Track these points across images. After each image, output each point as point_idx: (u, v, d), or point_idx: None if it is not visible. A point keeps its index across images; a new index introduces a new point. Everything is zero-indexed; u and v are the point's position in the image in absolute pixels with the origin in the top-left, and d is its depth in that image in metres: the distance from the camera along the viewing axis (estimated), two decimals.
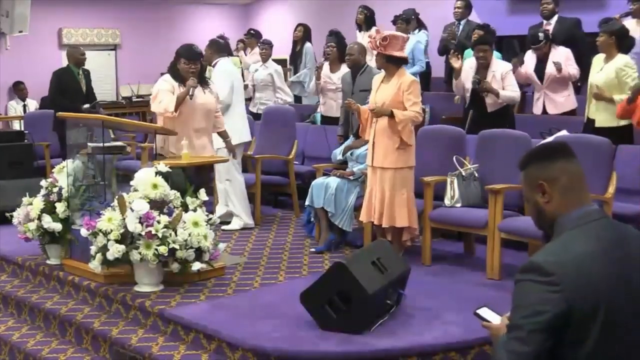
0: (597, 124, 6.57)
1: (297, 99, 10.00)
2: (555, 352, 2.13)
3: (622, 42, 6.55)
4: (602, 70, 6.59)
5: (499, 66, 6.98)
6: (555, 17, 8.25)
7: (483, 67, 6.99)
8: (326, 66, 8.20)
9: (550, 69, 7.44)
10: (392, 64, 5.64)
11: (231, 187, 6.97)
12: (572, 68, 7.47)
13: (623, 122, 6.41)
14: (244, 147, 7.25)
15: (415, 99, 5.60)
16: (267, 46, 9.26)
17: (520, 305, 2.14)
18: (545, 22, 8.28)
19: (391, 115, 5.52)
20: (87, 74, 9.21)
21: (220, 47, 7.22)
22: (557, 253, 2.17)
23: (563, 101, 7.58)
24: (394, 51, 5.59)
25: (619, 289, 2.16)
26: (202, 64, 6.18)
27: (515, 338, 2.12)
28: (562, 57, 7.46)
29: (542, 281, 2.10)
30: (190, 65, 5.89)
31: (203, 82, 6.06)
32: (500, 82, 6.88)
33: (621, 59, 6.51)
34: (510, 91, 6.89)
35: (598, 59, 6.73)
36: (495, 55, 7.90)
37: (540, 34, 7.55)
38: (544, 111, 7.63)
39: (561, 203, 2.28)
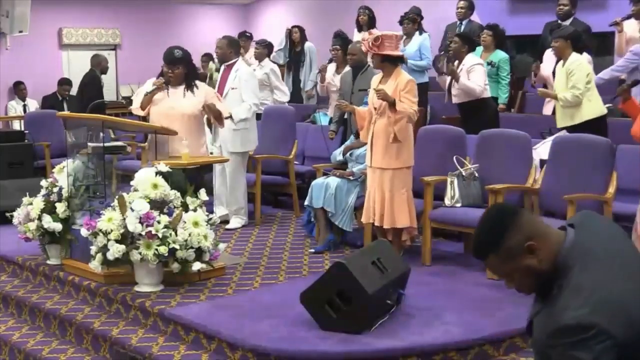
0: (557, 125, 6.74)
1: (296, 98, 9.98)
2: None
3: (577, 44, 6.69)
4: (560, 73, 6.75)
5: (469, 60, 7.21)
6: (571, 20, 8.20)
7: (457, 59, 7.30)
8: (332, 68, 8.31)
9: None
10: (389, 63, 5.65)
11: (238, 188, 7.02)
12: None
13: (578, 121, 6.54)
14: None
15: (413, 98, 5.60)
16: (261, 46, 9.20)
17: None
18: (560, 22, 8.23)
19: (393, 104, 5.51)
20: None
21: (237, 47, 7.23)
22: (584, 302, 2.04)
23: None
24: (389, 51, 5.60)
25: None
26: (193, 69, 6.17)
27: None
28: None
29: (587, 337, 2.00)
30: (167, 69, 6.04)
31: (188, 85, 6.04)
32: (466, 75, 7.11)
33: (572, 58, 6.64)
34: (472, 83, 7.08)
35: (559, 66, 6.86)
36: (500, 54, 7.94)
37: None
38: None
39: (549, 248, 2.16)
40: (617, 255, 2.17)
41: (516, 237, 2.15)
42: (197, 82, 6.18)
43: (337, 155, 6.60)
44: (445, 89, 7.64)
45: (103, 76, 10.29)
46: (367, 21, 9.45)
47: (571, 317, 2.03)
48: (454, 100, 7.29)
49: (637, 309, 2.05)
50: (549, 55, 7.73)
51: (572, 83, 6.55)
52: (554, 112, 7.59)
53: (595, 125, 6.47)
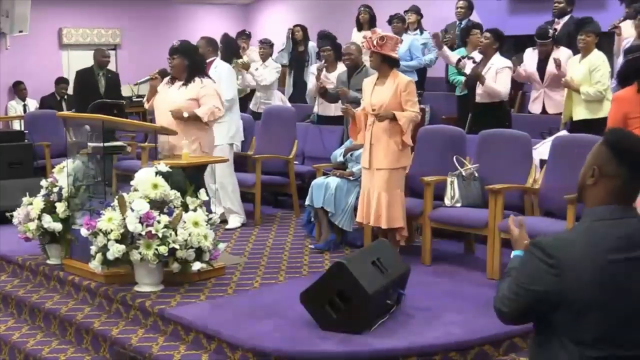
0: (574, 117, 6.85)
1: (298, 98, 9.96)
2: (546, 324, 2.26)
3: (600, 40, 6.96)
4: (580, 67, 6.85)
5: (498, 61, 7.10)
6: (567, 17, 8.19)
7: (484, 54, 7.18)
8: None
9: (551, 67, 7.45)
10: (387, 64, 5.67)
11: (228, 186, 7.01)
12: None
13: (598, 116, 6.66)
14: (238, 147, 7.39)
15: (414, 98, 5.66)
16: (267, 45, 9.22)
17: (523, 270, 2.30)
18: (556, 20, 8.25)
19: (393, 118, 5.55)
20: (110, 75, 9.47)
21: (215, 46, 7.29)
22: (568, 240, 2.25)
23: (562, 100, 7.60)
24: (390, 51, 5.63)
25: (620, 289, 2.18)
26: (194, 62, 6.05)
27: (510, 289, 2.32)
28: (564, 57, 7.47)
29: (543, 260, 2.22)
30: (168, 59, 6.10)
31: (187, 79, 5.96)
32: (494, 76, 7.00)
33: (595, 54, 6.83)
34: (499, 85, 6.99)
35: (575, 60, 7.01)
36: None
37: (550, 30, 7.57)
38: (544, 110, 7.65)
39: (602, 197, 2.29)
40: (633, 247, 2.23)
41: (605, 157, 2.31)
42: (203, 78, 6.01)
43: (338, 156, 6.61)
44: (452, 65, 7.66)
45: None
46: (368, 20, 9.46)
47: (548, 238, 2.28)
48: (478, 99, 7.15)
49: (598, 288, 2.17)
50: (529, 54, 7.79)
51: (596, 79, 6.67)
52: (543, 112, 7.63)
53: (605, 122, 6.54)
